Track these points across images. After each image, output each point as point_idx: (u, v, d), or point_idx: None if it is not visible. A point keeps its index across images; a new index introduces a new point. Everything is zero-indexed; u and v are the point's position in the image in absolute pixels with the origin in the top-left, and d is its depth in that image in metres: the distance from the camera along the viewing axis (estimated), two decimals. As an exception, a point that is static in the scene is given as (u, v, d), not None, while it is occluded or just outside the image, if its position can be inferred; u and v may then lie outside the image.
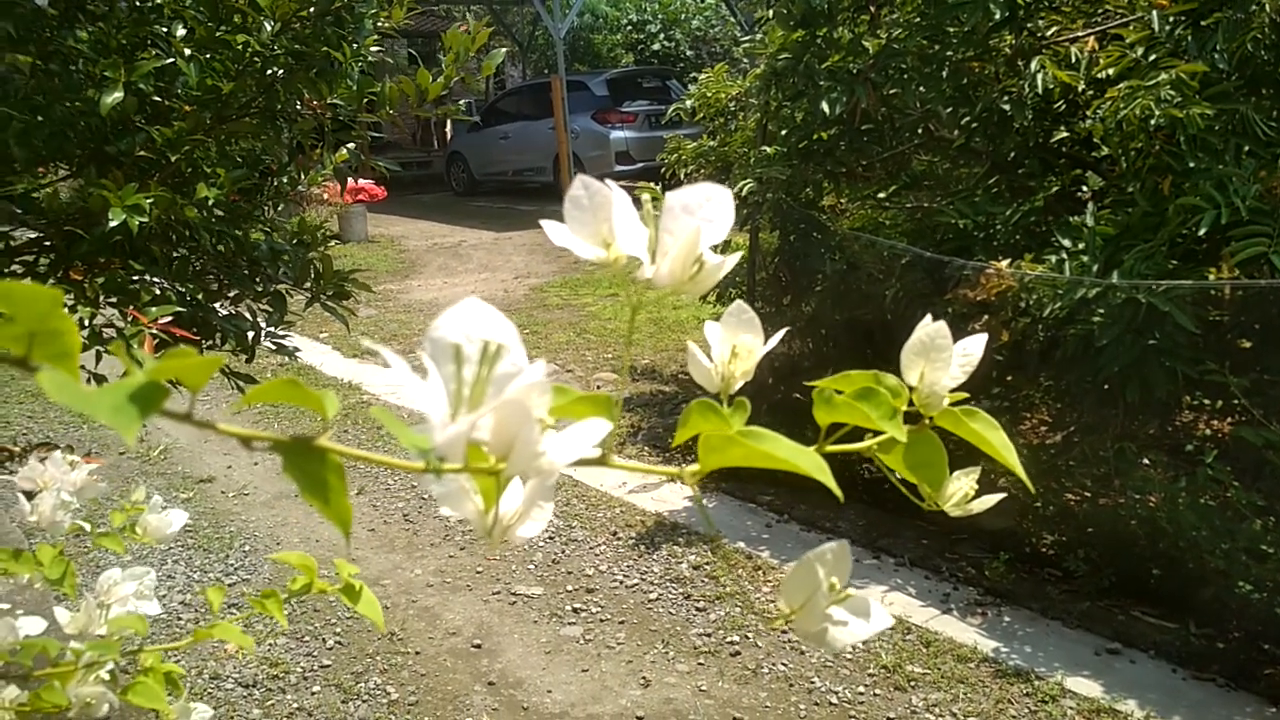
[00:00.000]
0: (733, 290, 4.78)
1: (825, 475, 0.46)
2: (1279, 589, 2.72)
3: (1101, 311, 2.87)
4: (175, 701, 0.95)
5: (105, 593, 1.05)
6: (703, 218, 0.49)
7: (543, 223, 0.51)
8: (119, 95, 1.80)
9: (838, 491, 0.47)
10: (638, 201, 0.50)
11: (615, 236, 0.48)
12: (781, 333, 0.57)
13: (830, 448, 0.52)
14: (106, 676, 0.84)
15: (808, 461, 0.46)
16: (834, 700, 2.83)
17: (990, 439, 0.53)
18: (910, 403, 0.54)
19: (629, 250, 0.49)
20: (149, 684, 0.89)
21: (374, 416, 0.39)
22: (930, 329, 0.53)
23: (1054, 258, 3.05)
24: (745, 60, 6.97)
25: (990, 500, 0.59)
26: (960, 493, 0.58)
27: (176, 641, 3.13)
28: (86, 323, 1.87)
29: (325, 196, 9.37)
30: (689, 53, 18.22)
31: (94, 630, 0.92)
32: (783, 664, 3.00)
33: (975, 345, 0.56)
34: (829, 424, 0.52)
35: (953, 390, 0.55)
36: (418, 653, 3.13)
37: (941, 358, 0.53)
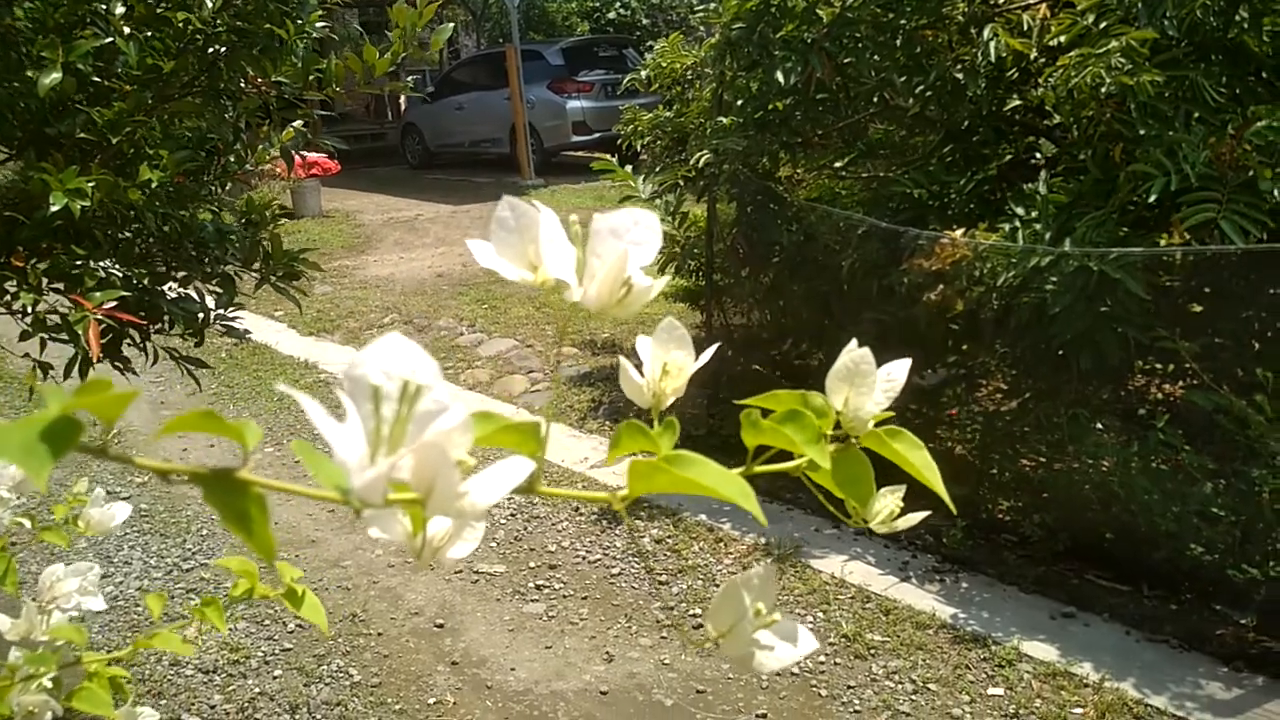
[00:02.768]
0: (690, 262, 4.77)
1: (750, 502, 0.45)
2: (1230, 551, 2.77)
3: (1054, 279, 2.89)
4: (122, 705, 0.94)
5: (48, 589, 1.03)
6: (630, 241, 0.48)
7: (469, 243, 0.50)
8: (57, 76, 1.75)
9: (762, 518, 0.46)
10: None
11: (542, 259, 0.48)
12: (711, 349, 0.57)
13: (759, 468, 0.52)
14: (50, 684, 0.82)
15: (732, 489, 0.45)
16: (795, 671, 2.86)
17: (911, 459, 0.54)
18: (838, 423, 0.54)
19: (556, 274, 0.48)
20: (94, 690, 0.88)
21: (295, 451, 0.37)
22: (854, 355, 0.53)
23: (1007, 226, 3.07)
24: (701, 29, 6.93)
25: (914, 518, 0.60)
26: (886, 510, 0.58)
27: (135, 629, 3.07)
28: (30, 310, 1.83)
29: (277, 171, 9.23)
30: (645, 21, 18.07)
31: (36, 635, 0.90)
32: (745, 635, 3.02)
33: (899, 370, 0.56)
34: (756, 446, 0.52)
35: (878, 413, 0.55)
36: (380, 634, 3.12)
37: (866, 384, 0.53)
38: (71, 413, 0.33)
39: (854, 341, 0.54)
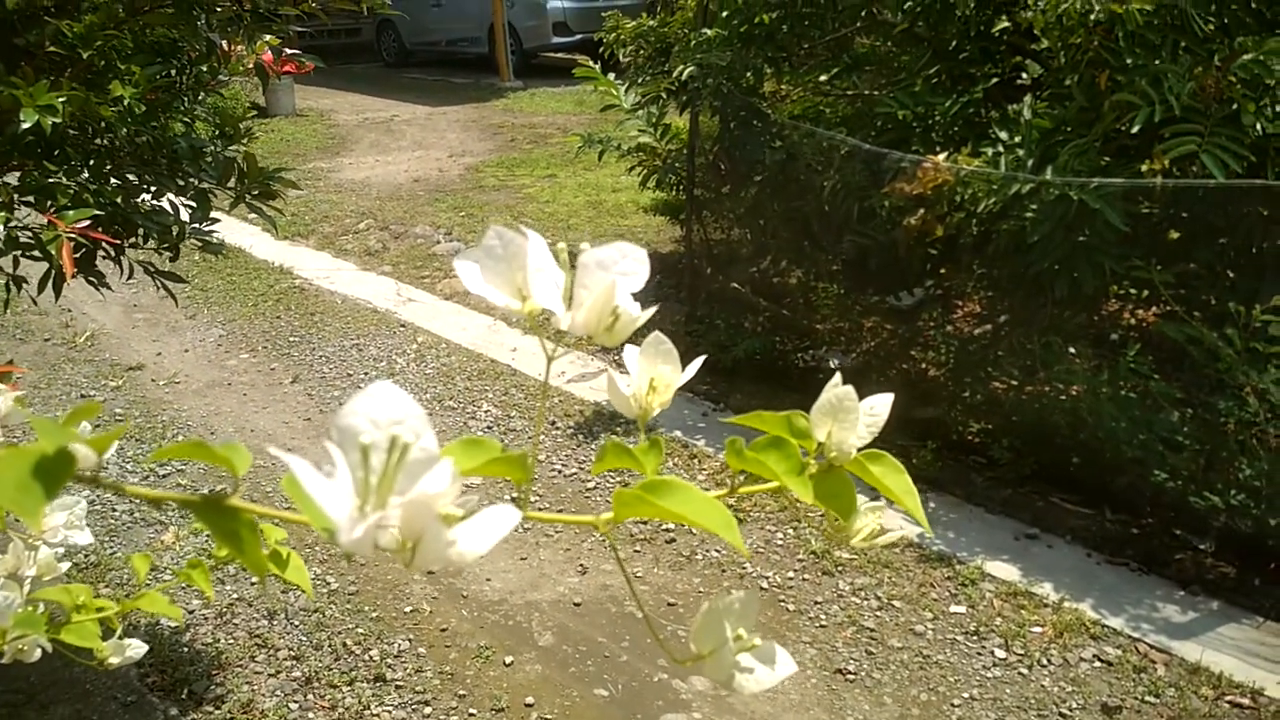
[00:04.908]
0: (672, 176, 4.73)
1: (733, 533, 0.46)
2: (1193, 478, 2.84)
3: (1034, 208, 2.89)
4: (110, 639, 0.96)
5: (33, 522, 1.04)
6: (618, 272, 0.49)
7: (456, 264, 0.50)
8: (23, -17, 1.71)
9: (744, 550, 0.48)
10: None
11: (530, 289, 0.48)
12: (698, 362, 0.57)
13: (742, 490, 0.53)
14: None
15: (715, 521, 0.46)
16: (764, 585, 2.93)
17: (890, 485, 0.54)
18: None
19: (543, 304, 0.48)
20: (83, 623, 0.89)
21: (285, 489, 0.38)
22: (838, 391, 0.53)
23: (990, 150, 3.06)
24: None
25: (893, 536, 0.61)
26: (868, 529, 0.59)
27: (112, 533, 3.05)
28: (2, 227, 1.81)
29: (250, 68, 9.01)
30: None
31: (24, 571, 0.91)
32: (715, 551, 3.08)
33: (882, 404, 0.56)
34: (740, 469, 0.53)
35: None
36: (357, 543, 3.15)
37: (849, 419, 0.53)
38: (64, 445, 0.33)
39: (837, 376, 0.54)
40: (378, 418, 0.40)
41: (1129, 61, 2.79)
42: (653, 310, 0.53)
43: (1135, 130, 2.71)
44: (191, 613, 2.88)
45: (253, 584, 2.97)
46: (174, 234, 2.20)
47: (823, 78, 4.25)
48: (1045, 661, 2.59)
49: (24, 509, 0.32)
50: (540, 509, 3.31)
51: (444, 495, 0.40)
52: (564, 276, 0.50)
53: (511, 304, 0.49)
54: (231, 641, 2.75)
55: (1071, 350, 3.15)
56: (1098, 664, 2.58)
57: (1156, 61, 2.76)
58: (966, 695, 2.50)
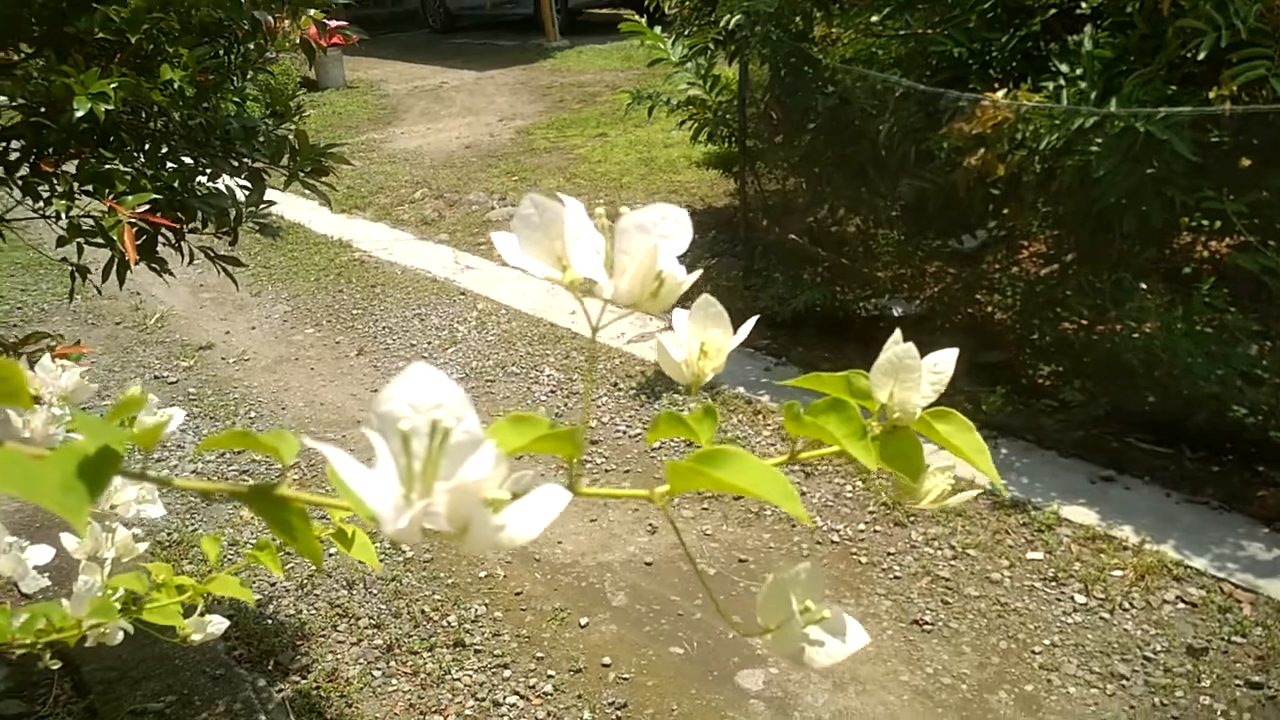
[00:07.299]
0: (723, 128, 4.67)
1: (793, 503, 0.45)
2: (1273, 412, 2.75)
3: (1099, 141, 2.80)
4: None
5: (107, 499, 1.05)
6: (659, 235, 0.47)
7: (494, 236, 0.48)
8: (69, -29, 1.72)
9: (805, 519, 0.46)
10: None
11: (569, 257, 0.46)
12: (750, 323, 0.55)
13: (802, 455, 0.51)
14: (119, 605, 0.85)
15: (772, 490, 0.45)
16: (835, 539, 2.91)
17: (959, 444, 0.52)
18: None
19: (584, 272, 0.47)
20: (164, 603, 0.91)
21: (330, 480, 0.37)
22: (899, 349, 0.51)
23: (1051, 85, 2.97)
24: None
25: (967, 496, 0.58)
26: (937, 490, 0.57)
27: (192, 511, 3.11)
28: (64, 216, 1.83)
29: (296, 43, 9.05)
30: None
31: (102, 554, 0.93)
32: (785, 506, 3.06)
33: (946, 360, 0.53)
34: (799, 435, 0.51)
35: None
36: (428, 511, 3.19)
37: (911, 378, 0.51)
38: (107, 443, 0.33)
39: (897, 333, 0.52)
40: (417, 402, 0.38)
41: (1193, -17, 2.67)
42: (699, 273, 0.51)
43: (1201, 56, 2.61)
44: (273, 585, 2.94)
45: (331, 554, 3.02)
46: (231, 217, 2.21)
47: (874, 18, 4.15)
48: (1127, 605, 2.55)
49: (68, 510, 0.31)
50: (606, 471, 3.32)
51: (488, 480, 0.38)
52: (604, 242, 0.48)
53: (552, 274, 0.48)
54: (313, 612, 2.81)
55: (1142, 286, 3.06)
56: (1181, 605, 2.53)
57: (1223, -18, 2.65)
58: (1047, 642, 2.47)
